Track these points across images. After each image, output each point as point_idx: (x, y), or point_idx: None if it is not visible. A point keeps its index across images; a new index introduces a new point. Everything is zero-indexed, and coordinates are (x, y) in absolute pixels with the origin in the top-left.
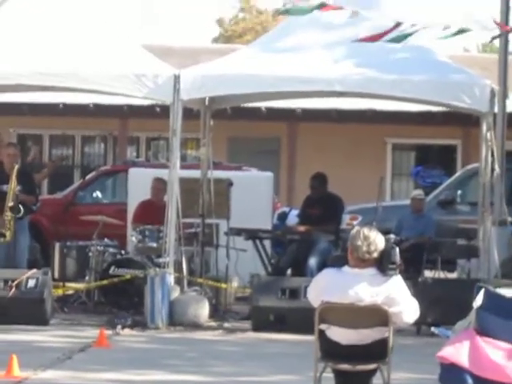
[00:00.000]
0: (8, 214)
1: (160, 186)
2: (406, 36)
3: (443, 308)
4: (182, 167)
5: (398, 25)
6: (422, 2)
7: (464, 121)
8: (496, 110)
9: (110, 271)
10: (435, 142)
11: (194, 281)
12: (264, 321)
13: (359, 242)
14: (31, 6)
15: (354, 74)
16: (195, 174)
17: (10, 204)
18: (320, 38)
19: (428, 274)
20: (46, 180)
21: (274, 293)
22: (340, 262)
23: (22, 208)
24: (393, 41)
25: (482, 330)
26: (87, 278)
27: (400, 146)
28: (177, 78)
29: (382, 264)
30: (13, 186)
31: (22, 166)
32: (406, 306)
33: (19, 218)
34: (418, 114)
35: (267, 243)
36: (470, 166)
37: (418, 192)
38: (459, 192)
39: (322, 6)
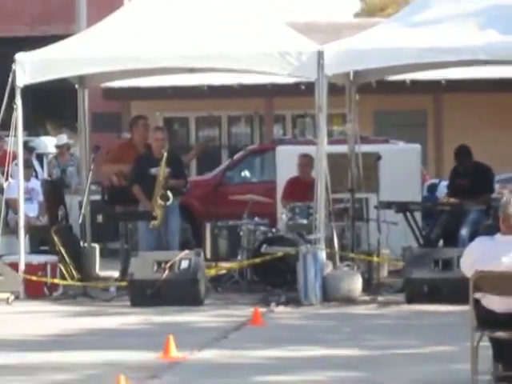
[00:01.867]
0: (157, 201)
1: (307, 162)
2: None
3: None
4: (329, 143)
5: None
6: None
7: None
8: None
9: (262, 249)
10: None
11: (346, 256)
12: (418, 293)
13: (511, 210)
14: None
15: (497, 42)
16: (343, 149)
17: (161, 192)
18: (459, 8)
19: None
20: (195, 161)
21: (426, 265)
22: (492, 231)
23: (170, 195)
24: None
25: None
26: (239, 257)
27: None
28: (320, 54)
29: None
30: (162, 170)
31: (171, 150)
32: None
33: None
34: None
35: (418, 215)
36: None
37: None
38: None
39: None
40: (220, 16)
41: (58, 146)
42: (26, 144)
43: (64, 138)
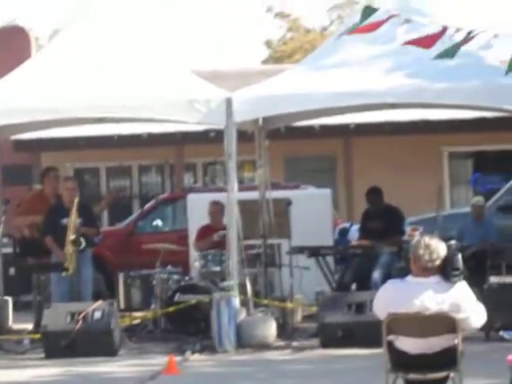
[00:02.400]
0: (69, 248)
1: (218, 209)
2: (455, 47)
3: (511, 312)
4: (240, 189)
5: (445, 30)
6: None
7: None
8: None
9: (176, 298)
10: (492, 148)
11: (260, 302)
12: (332, 337)
13: (421, 251)
14: (77, 40)
15: (404, 85)
16: (253, 195)
17: (72, 237)
18: (365, 52)
19: (493, 279)
20: (106, 212)
21: (340, 308)
22: (404, 273)
23: (83, 241)
24: (445, 56)
25: None
26: (153, 306)
27: (456, 155)
28: (229, 101)
29: (446, 271)
30: (73, 220)
31: (81, 200)
32: (472, 312)
33: (81, 250)
34: (473, 120)
35: (330, 260)
36: None
37: (478, 199)
38: None
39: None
40: (127, 63)
41: None
42: None
43: None
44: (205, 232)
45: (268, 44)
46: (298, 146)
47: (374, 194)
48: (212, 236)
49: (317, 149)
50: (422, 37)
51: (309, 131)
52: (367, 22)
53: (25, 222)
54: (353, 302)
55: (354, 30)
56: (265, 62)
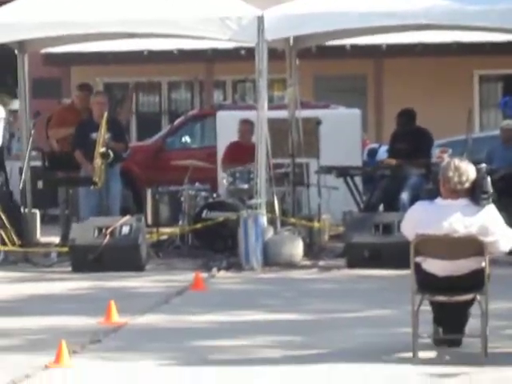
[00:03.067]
0: (98, 161)
1: (247, 127)
2: None
3: None
4: (270, 108)
5: None
6: None
7: None
8: None
9: (203, 215)
10: None
11: (287, 221)
12: (358, 257)
13: (450, 173)
14: None
15: (437, 6)
16: (283, 114)
17: (101, 150)
18: None
19: None
20: (135, 127)
21: (367, 229)
22: (432, 195)
23: (111, 154)
24: None
25: None
26: (180, 222)
27: (487, 77)
28: (260, 19)
29: (475, 194)
30: (103, 134)
31: (111, 114)
32: (500, 235)
33: (110, 165)
34: (505, 43)
35: (358, 180)
36: None
37: (507, 122)
38: None
39: None
40: None
41: (11, 111)
42: None
43: (17, 104)
44: (234, 149)
45: None
46: (329, 65)
47: (406, 116)
48: (241, 156)
49: (347, 69)
50: None
51: (340, 51)
52: None
53: (57, 135)
54: (380, 223)
55: None
56: None
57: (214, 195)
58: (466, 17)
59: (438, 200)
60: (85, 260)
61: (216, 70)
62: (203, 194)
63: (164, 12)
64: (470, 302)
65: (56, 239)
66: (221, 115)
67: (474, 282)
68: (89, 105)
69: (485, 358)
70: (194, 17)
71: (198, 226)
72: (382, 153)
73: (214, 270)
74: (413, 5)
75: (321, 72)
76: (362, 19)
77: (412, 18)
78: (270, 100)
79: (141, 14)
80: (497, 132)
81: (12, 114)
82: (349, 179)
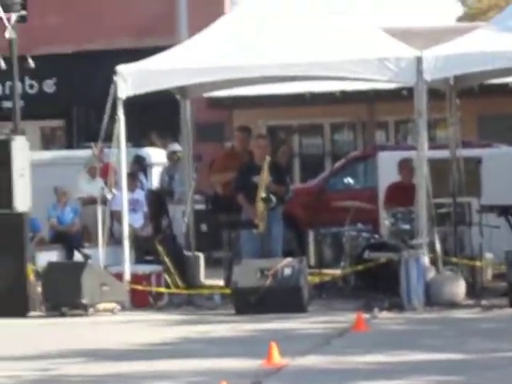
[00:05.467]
0: (260, 205)
1: (407, 167)
2: None
3: None
4: (431, 148)
5: None
6: None
7: None
8: None
9: (365, 255)
10: None
11: (449, 260)
12: None
13: None
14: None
15: None
16: (444, 154)
17: (263, 195)
18: None
19: None
20: (298, 169)
21: None
22: None
23: (273, 199)
24: None
25: None
26: (342, 263)
27: None
28: (419, 60)
29: None
30: (264, 177)
31: (272, 157)
32: None
33: (272, 208)
34: None
35: None
36: None
37: None
38: None
39: None
40: (316, 23)
41: (169, 153)
42: (137, 156)
43: (177, 146)
44: (395, 190)
45: (463, 1)
46: (492, 104)
47: None
48: (403, 197)
49: (510, 107)
50: None
51: (502, 89)
52: None
53: (222, 179)
54: None
55: None
56: (459, 19)
57: (376, 236)
58: None
59: None
60: (247, 302)
61: (378, 110)
62: (365, 234)
63: (323, 54)
64: None
65: (220, 282)
66: (382, 156)
67: None
68: (249, 147)
69: None
70: (353, 59)
71: (360, 267)
72: None
73: (376, 310)
74: None
75: (484, 111)
76: None
77: None
78: (432, 139)
79: (301, 56)
80: None
81: (171, 155)
82: (510, 218)
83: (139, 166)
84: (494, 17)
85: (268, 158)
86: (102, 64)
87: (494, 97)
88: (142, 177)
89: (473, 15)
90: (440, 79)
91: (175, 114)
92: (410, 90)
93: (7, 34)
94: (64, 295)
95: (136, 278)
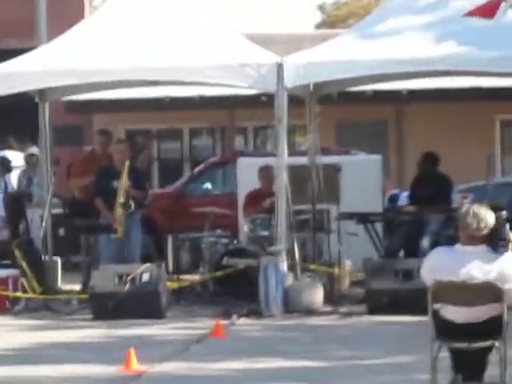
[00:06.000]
0: (119, 210)
1: (267, 174)
2: None
3: None
4: (290, 154)
5: None
6: None
7: None
8: None
9: (224, 262)
10: None
11: (307, 267)
12: (379, 304)
13: (469, 220)
14: (130, 3)
15: (455, 53)
16: (303, 160)
17: (121, 200)
18: (417, 20)
19: None
20: (156, 174)
21: (387, 275)
22: (453, 242)
23: (132, 204)
24: None
25: None
26: (201, 269)
27: (508, 122)
28: (280, 67)
29: (493, 241)
30: (123, 183)
31: (131, 162)
32: None
33: (130, 213)
34: None
35: (379, 226)
36: None
37: None
38: None
39: None
40: (179, 28)
41: (27, 156)
42: (1, 158)
43: (35, 149)
44: (254, 197)
45: (322, 8)
46: (350, 111)
47: (429, 160)
48: (262, 203)
49: (368, 115)
50: (480, 5)
51: (361, 97)
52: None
53: (80, 184)
54: (400, 269)
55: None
56: (318, 26)
57: (235, 242)
58: (485, 62)
59: (457, 246)
60: (105, 307)
61: (237, 116)
62: (224, 240)
63: (184, 59)
64: (489, 349)
65: (77, 286)
66: (241, 162)
67: (493, 328)
68: (108, 150)
69: None
70: (213, 64)
71: (219, 273)
72: (403, 199)
73: (234, 317)
74: (430, 51)
75: (342, 118)
76: (381, 66)
77: (430, 65)
78: (291, 146)
79: (161, 61)
80: None
81: (29, 158)
82: (369, 225)
83: (3, 168)
84: (354, 24)
85: (127, 163)
86: None
87: (353, 104)
88: (8, 179)
89: (331, 23)
90: (300, 86)
91: (34, 117)
92: (270, 96)
93: None
94: None
95: None
